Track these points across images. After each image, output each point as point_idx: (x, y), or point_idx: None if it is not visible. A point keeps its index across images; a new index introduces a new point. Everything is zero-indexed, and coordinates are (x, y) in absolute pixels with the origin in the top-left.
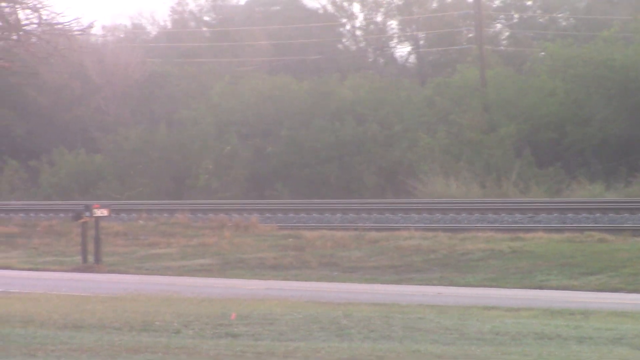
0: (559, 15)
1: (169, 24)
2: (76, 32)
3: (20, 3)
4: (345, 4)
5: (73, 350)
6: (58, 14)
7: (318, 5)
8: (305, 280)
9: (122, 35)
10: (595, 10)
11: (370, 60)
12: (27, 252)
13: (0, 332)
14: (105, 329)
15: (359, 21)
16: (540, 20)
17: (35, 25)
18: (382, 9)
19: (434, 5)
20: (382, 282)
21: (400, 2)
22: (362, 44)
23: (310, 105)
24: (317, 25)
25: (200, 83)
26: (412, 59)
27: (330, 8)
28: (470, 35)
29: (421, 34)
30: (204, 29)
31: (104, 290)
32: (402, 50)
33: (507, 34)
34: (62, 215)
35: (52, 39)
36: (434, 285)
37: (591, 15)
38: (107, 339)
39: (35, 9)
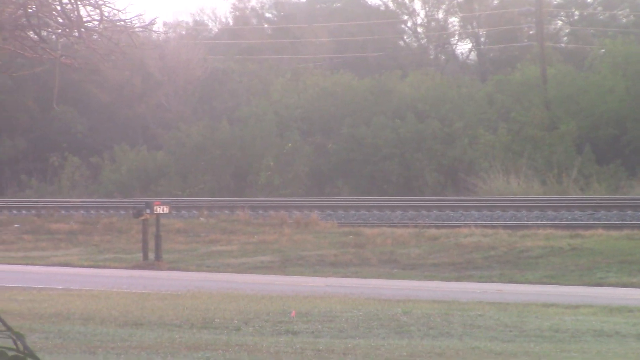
0: (620, 12)
1: (230, 21)
2: (138, 29)
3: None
4: (407, 0)
5: (133, 348)
6: (120, 11)
7: (379, 2)
8: (365, 278)
9: (183, 32)
10: None
11: (431, 57)
12: (87, 250)
13: (61, 329)
14: (165, 326)
15: (420, 18)
16: (600, 17)
17: (96, 22)
18: (443, 6)
19: (495, 2)
20: (442, 279)
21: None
22: (423, 41)
23: (370, 102)
24: (378, 22)
25: (262, 80)
26: (473, 56)
27: (391, 5)
28: (531, 32)
29: (482, 31)
30: (265, 25)
31: (164, 287)
32: (463, 48)
33: (567, 31)
34: (122, 212)
35: (114, 36)
36: (493, 282)
37: None
38: (167, 336)
39: (97, 6)
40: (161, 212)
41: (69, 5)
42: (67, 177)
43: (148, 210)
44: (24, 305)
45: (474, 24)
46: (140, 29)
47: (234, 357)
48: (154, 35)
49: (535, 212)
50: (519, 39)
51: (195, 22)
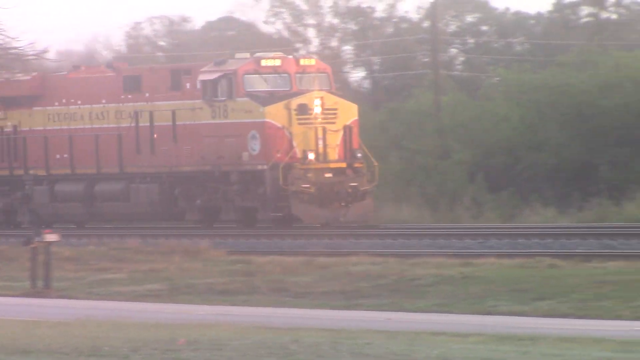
0: (515, 40)
1: (123, 49)
2: (31, 57)
3: None
4: (301, 28)
5: None
6: (13, 39)
7: (273, 30)
8: (255, 306)
9: (76, 59)
10: (551, 36)
11: None
12: None
13: None
14: (53, 354)
15: (314, 46)
16: (495, 45)
17: None
18: (337, 34)
19: (390, 30)
20: (332, 308)
21: (355, 28)
22: None
23: None
24: (272, 50)
25: None
26: (367, 84)
27: (285, 33)
28: (426, 60)
29: (376, 59)
30: (159, 53)
31: (53, 315)
32: (357, 75)
33: (462, 59)
34: (12, 240)
35: (7, 63)
36: (383, 310)
37: (547, 41)
38: None
39: None
40: (51, 240)
41: None
42: None
43: (38, 238)
44: None
45: (368, 51)
46: (33, 57)
47: None
48: (47, 63)
49: (426, 240)
50: (413, 66)
51: (89, 49)
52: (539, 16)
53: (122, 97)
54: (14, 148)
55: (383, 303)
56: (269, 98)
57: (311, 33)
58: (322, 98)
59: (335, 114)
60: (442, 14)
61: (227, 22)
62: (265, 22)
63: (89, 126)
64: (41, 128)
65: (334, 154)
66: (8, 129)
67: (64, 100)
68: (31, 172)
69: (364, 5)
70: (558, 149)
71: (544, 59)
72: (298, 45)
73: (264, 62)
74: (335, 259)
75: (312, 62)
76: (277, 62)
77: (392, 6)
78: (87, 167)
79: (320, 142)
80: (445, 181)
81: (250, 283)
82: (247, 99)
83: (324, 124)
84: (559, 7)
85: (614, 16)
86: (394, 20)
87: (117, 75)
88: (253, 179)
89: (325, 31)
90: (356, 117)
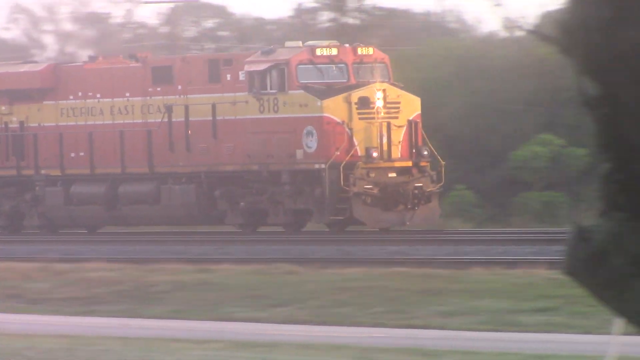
0: (253, 45)
1: None
2: None
3: None
4: (39, 35)
5: None
6: None
7: (11, 36)
8: None
9: None
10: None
11: None
12: None
13: None
14: None
15: (52, 51)
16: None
17: None
18: (74, 40)
19: (128, 35)
20: (69, 314)
21: (94, 34)
22: None
23: None
24: (8, 56)
25: None
26: None
27: (24, 39)
28: None
29: None
30: None
31: None
32: None
33: None
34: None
35: None
36: (120, 317)
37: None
38: None
39: None
40: None
41: None
42: None
43: None
44: None
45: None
46: None
47: None
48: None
49: (164, 246)
50: None
51: None
52: (279, 21)
53: (150, 90)
54: (21, 146)
55: (120, 309)
56: (327, 90)
57: (49, 39)
58: (384, 90)
59: (398, 107)
60: (180, 19)
61: None
62: (4, 28)
63: (110, 122)
64: (53, 124)
65: (397, 151)
66: (13, 125)
67: (80, 94)
68: (43, 172)
69: (101, 11)
70: None
71: None
72: (35, 51)
73: (319, 51)
74: (72, 265)
75: (370, 51)
76: (334, 51)
77: (130, 12)
78: (109, 167)
79: (384, 139)
80: None
81: None
82: (302, 91)
83: (387, 119)
84: (299, 12)
85: (356, 21)
86: (133, 26)
87: (143, 66)
88: (308, 179)
89: (63, 37)
90: (419, 111)
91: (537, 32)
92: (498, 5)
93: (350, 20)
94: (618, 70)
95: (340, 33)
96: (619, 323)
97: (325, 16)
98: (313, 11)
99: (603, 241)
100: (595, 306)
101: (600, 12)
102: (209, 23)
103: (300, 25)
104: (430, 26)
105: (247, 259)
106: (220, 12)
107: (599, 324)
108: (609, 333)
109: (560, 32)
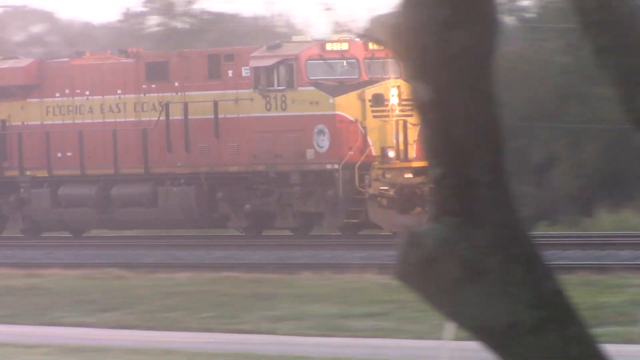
0: (82, 49)
1: None
2: None
3: None
4: None
5: None
6: None
7: None
8: None
9: None
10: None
11: None
12: None
13: None
14: None
15: None
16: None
17: None
18: None
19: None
20: None
21: None
22: None
23: None
24: None
25: None
26: None
27: None
28: None
29: None
30: None
31: None
32: None
33: None
34: None
35: None
36: None
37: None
38: None
39: None
40: None
41: None
42: None
43: None
44: None
45: None
46: None
47: None
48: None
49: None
50: None
51: None
52: (107, 26)
53: (144, 86)
54: (3, 145)
55: None
56: (339, 87)
57: None
58: (399, 87)
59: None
60: (7, 24)
61: None
62: None
63: (101, 120)
64: (38, 122)
65: (412, 151)
66: None
67: (66, 91)
68: (28, 173)
69: None
70: None
71: None
72: None
73: (329, 46)
74: None
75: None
76: (345, 46)
77: None
78: (101, 168)
79: (400, 138)
80: None
81: None
82: (313, 88)
83: (403, 117)
84: (127, 17)
85: (185, 25)
86: None
87: (136, 62)
88: (319, 180)
89: None
90: None
91: (369, 36)
92: (328, 9)
93: (179, 25)
94: (448, 74)
95: (169, 37)
96: (449, 328)
97: (153, 20)
98: (142, 15)
99: (434, 246)
100: (425, 311)
101: (435, 15)
102: (37, 28)
103: (128, 29)
104: (259, 30)
105: (76, 264)
106: (47, 17)
107: (430, 329)
108: (439, 338)
109: (392, 35)
